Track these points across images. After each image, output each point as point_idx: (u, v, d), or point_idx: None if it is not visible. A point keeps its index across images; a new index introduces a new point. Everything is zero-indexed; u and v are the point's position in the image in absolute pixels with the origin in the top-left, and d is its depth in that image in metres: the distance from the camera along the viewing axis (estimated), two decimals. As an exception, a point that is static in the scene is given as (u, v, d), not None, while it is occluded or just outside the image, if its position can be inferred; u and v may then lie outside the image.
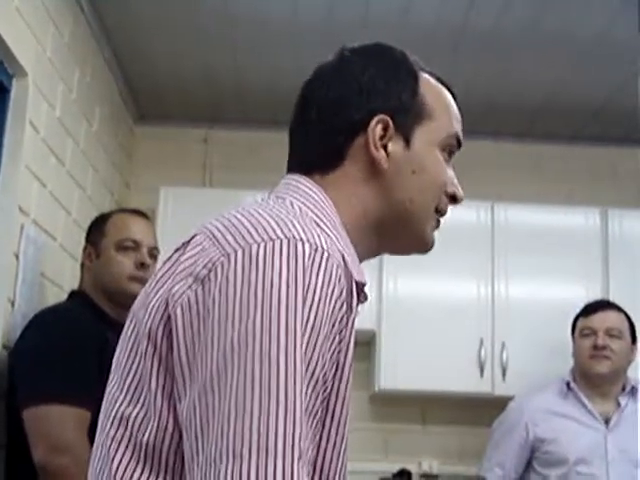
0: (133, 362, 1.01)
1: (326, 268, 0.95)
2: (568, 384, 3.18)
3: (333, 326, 0.96)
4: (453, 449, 4.04)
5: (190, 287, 0.96)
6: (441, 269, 3.79)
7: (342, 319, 0.98)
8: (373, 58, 1.22)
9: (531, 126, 4.29)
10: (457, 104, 1.26)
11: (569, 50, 3.55)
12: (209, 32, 3.62)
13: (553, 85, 3.85)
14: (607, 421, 3.06)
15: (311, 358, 0.92)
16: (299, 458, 0.87)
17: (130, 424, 0.99)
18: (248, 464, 0.84)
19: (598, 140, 4.34)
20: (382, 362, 3.64)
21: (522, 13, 3.26)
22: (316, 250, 0.95)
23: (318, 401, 0.95)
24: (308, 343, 0.92)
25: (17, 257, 2.77)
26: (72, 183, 3.43)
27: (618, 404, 3.09)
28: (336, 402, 1.00)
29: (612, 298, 3.54)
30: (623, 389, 3.12)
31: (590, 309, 3.29)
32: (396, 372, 3.60)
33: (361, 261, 1.16)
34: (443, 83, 1.24)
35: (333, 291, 0.95)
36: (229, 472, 0.84)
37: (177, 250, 1.03)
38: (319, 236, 0.98)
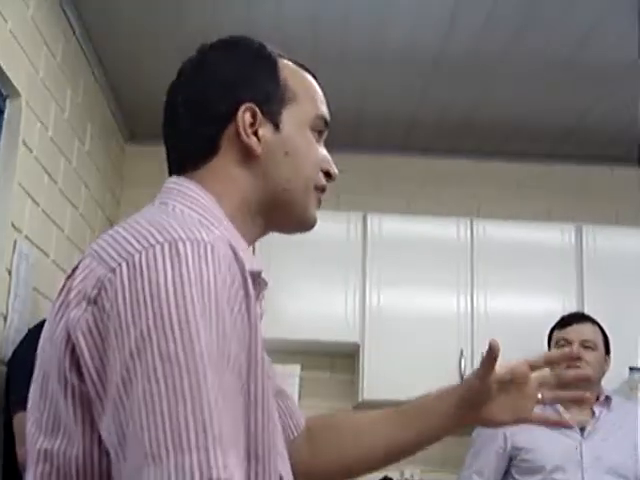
0: (46, 399, 0.99)
1: (213, 259, 0.93)
2: (545, 394, 3.18)
3: (232, 311, 0.94)
4: (435, 457, 3.96)
5: (85, 310, 0.94)
6: (422, 282, 3.92)
7: (241, 305, 0.97)
8: (232, 51, 1.22)
9: (508, 145, 4.37)
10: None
11: (541, 74, 3.65)
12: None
13: (528, 106, 3.95)
14: (582, 429, 3.06)
15: (219, 344, 0.90)
16: (218, 444, 0.84)
17: (54, 458, 0.97)
18: (167, 465, 0.81)
19: (572, 159, 4.41)
20: (366, 374, 3.71)
21: (498, 39, 3.39)
22: (199, 245, 0.94)
23: (239, 385, 0.94)
24: (211, 330, 0.89)
25: (10, 273, 2.84)
26: (64, 201, 3.52)
27: (593, 413, 3.10)
28: (256, 385, 0.99)
29: (587, 311, 3.57)
30: (597, 399, 3.12)
31: (565, 321, 3.32)
32: (379, 383, 3.66)
33: (250, 244, 1.17)
34: (305, 69, 1.26)
35: (225, 280, 0.94)
36: (150, 478, 0.82)
37: (68, 277, 1.01)
38: (200, 232, 0.96)
